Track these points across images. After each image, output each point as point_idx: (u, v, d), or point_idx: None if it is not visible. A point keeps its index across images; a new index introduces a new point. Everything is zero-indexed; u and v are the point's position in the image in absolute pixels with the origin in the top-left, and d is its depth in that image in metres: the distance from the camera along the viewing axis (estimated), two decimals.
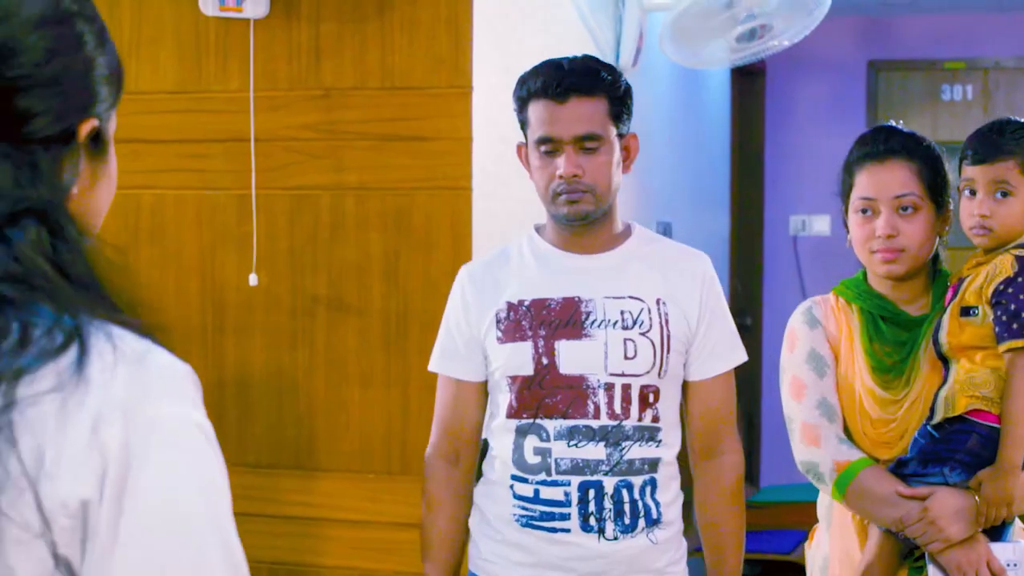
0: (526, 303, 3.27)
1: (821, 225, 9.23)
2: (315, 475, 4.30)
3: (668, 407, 3.29)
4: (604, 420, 3.21)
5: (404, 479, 4.21)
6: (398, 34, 4.19)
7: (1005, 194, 3.19)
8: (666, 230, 6.65)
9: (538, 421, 3.24)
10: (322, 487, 4.30)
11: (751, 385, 8.67)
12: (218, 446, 1.45)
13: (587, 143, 3.20)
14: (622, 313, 3.24)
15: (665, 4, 5.65)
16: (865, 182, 3.31)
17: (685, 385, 3.35)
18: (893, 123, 3.42)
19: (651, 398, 3.24)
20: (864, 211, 3.31)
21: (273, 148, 4.30)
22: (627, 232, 3.37)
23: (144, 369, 1.39)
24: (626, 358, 3.22)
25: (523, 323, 3.26)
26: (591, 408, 3.21)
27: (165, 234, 4.41)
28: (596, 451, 3.21)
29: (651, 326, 3.24)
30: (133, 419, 1.34)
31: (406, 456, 4.22)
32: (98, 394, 1.34)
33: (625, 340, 3.22)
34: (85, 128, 1.48)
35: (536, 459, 3.24)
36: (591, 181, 3.21)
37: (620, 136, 3.27)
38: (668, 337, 3.24)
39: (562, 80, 3.21)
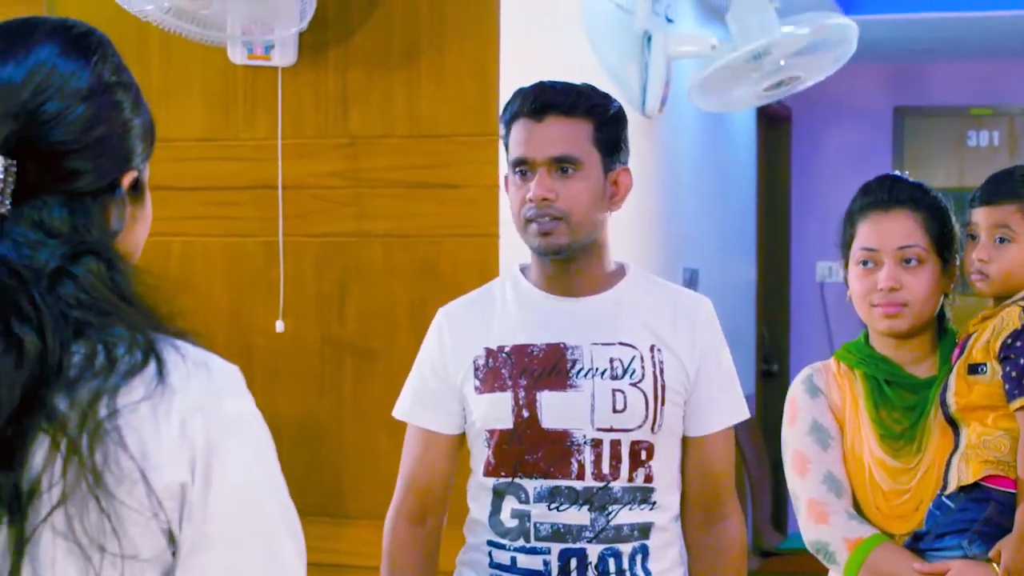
0: (506, 349, 2.98)
1: None
2: (343, 522, 4.30)
3: (665, 466, 2.99)
4: (589, 481, 2.91)
5: None
6: (425, 82, 4.21)
7: (1004, 240, 3.06)
8: (693, 276, 6.65)
9: (516, 480, 2.95)
10: (350, 534, 4.29)
11: (776, 431, 8.64)
12: (267, 427, 1.76)
13: (563, 164, 2.91)
14: (611, 361, 2.94)
15: (691, 52, 5.67)
16: (867, 232, 3.15)
17: (683, 442, 3.05)
18: (899, 173, 3.31)
19: (643, 455, 2.94)
20: (865, 263, 3.13)
21: (300, 195, 4.31)
22: (620, 273, 3.07)
23: (209, 373, 1.69)
24: (615, 411, 2.91)
25: (503, 371, 2.96)
26: (574, 467, 2.91)
27: (193, 281, 4.42)
28: (579, 516, 2.91)
29: (643, 376, 2.94)
30: (209, 416, 1.65)
31: None
32: (180, 398, 1.64)
33: (614, 391, 2.92)
34: (126, 180, 1.76)
35: (514, 523, 2.96)
36: (564, 207, 2.89)
37: (609, 169, 2.98)
38: (663, 388, 2.95)
39: (540, 97, 2.95)
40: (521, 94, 2.99)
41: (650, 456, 2.95)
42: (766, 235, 9.00)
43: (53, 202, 1.68)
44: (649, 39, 5.53)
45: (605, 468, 2.91)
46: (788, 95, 5.79)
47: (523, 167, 2.94)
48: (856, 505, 3.13)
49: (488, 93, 4.15)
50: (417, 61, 4.22)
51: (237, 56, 4.20)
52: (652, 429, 2.94)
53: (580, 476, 2.91)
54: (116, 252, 1.71)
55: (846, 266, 3.23)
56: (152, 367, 1.63)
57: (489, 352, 2.99)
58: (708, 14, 6.79)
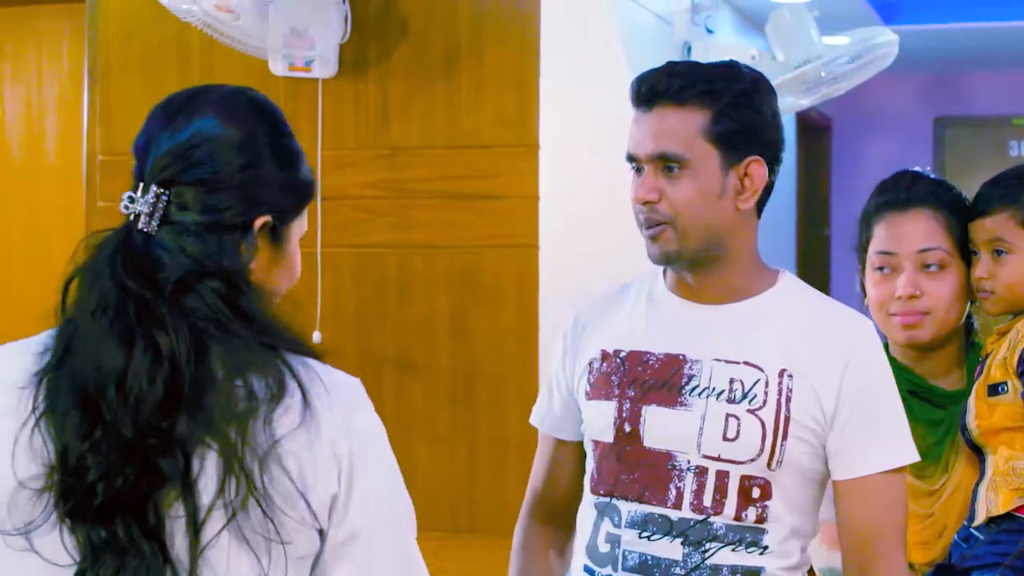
0: (622, 354, 2.64)
1: None
2: None
3: (787, 508, 2.56)
4: (686, 511, 2.54)
5: (471, 537, 4.20)
6: (465, 93, 4.21)
7: (1001, 252, 2.80)
8: None
9: (613, 501, 2.61)
10: None
11: None
12: (386, 432, 2.03)
13: (667, 163, 2.54)
14: (731, 382, 2.55)
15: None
16: (884, 234, 2.88)
17: (833, 487, 2.61)
18: (919, 169, 3.02)
19: (756, 493, 2.54)
20: (882, 268, 2.88)
21: (340, 206, 4.32)
22: (769, 282, 2.66)
23: (341, 391, 1.97)
24: (725, 438, 2.53)
25: (613, 378, 2.63)
26: (672, 494, 2.55)
27: None
28: (671, 548, 2.55)
29: (765, 403, 2.53)
30: (349, 433, 1.94)
31: (473, 514, 4.21)
32: (327, 423, 1.91)
33: (728, 416, 2.54)
34: (259, 222, 1.99)
35: (606, 548, 2.62)
36: (669, 210, 2.53)
37: (732, 163, 2.56)
38: (786, 420, 2.52)
39: (647, 82, 2.58)
40: (637, 78, 2.63)
41: (765, 495, 2.54)
42: (805, 246, 8.98)
43: (192, 230, 1.94)
44: (689, 49, 5.53)
45: (706, 500, 2.54)
46: (826, 100, 5.78)
47: (634, 163, 2.60)
48: None
49: (528, 104, 4.15)
50: (457, 72, 4.22)
51: (278, 68, 4.21)
52: (769, 464, 2.53)
53: (677, 505, 2.55)
54: (245, 279, 1.96)
55: (862, 271, 3.01)
56: (297, 394, 1.90)
57: (604, 355, 2.68)
58: (747, 24, 6.78)
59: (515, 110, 4.17)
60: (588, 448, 2.69)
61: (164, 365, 1.85)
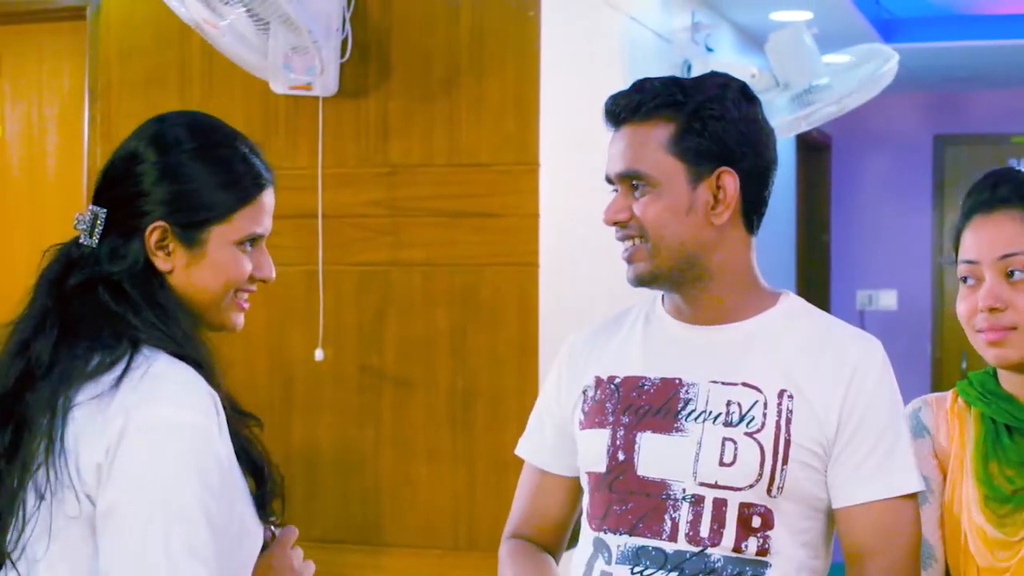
0: (617, 380, 2.51)
1: (888, 300, 9.19)
2: (382, 550, 4.30)
3: (792, 540, 2.39)
4: (682, 544, 2.37)
5: (470, 555, 4.20)
6: (465, 112, 4.22)
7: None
8: None
9: (603, 536, 2.45)
10: (389, 562, 4.30)
11: None
12: (215, 438, 2.12)
13: (631, 180, 2.45)
14: (728, 404, 2.40)
15: None
16: (968, 241, 2.50)
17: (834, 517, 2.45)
18: (1015, 163, 2.54)
19: (756, 522, 2.36)
20: (966, 279, 2.49)
21: (341, 224, 4.33)
22: (770, 303, 2.51)
23: (157, 382, 2.11)
24: (722, 464, 2.37)
25: (607, 405, 2.49)
26: (667, 526, 2.38)
27: None
28: None
29: (763, 425, 2.37)
30: (131, 415, 2.07)
31: (472, 532, 4.21)
32: (119, 400, 2.09)
33: (724, 440, 2.38)
34: (152, 228, 2.21)
35: None
36: (638, 228, 2.44)
37: (701, 177, 2.42)
38: (786, 443, 2.36)
39: (613, 102, 2.50)
40: (608, 97, 2.54)
41: (766, 524, 2.37)
42: (805, 263, 8.98)
43: (101, 242, 2.25)
44: (689, 68, 5.54)
45: (703, 531, 2.37)
46: (825, 122, 5.79)
47: (611, 184, 2.51)
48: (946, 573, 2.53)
49: (528, 122, 4.16)
50: (457, 91, 4.23)
51: (278, 86, 4.21)
52: (769, 490, 2.36)
53: (672, 537, 2.38)
54: (137, 282, 2.21)
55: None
56: (117, 373, 2.10)
57: (599, 382, 2.53)
58: (748, 43, 6.79)
59: (515, 129, 4.17)
60: (583, 481, 2.55)
61: (18, 358, 2.18)
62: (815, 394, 2.39)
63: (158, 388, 2.11)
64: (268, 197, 2.34)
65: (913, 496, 2.42)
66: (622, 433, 2.45)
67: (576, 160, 4.43)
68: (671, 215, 2.42)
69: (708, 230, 2.44)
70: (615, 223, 2.47)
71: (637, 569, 2.40)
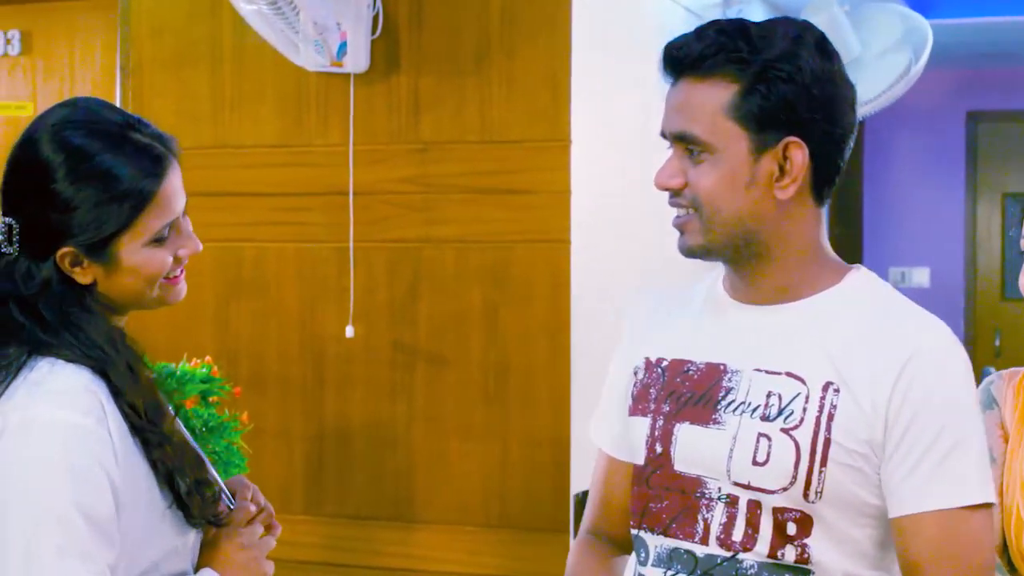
0: (664, 363, 2.28)
1: (921, 277, 9.15)
2: (413, 527, 4.30)
3: (837, 551, 2.13)
4: (712, 547, 2.16)
5: (502, 531, 4.20)
6: (496, 88, 4.21)
7: None
8: None
9: (641, 534, 2.26)
10: (420, 539, 4.30)
11: None
12: (96, 436, 2.09)
13: (689, 145, 2.16)
14: (768, 396, 2.15)
15: None
16: None
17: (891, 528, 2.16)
18: None
19: (792, 529, 2.12)
20: None
21: (372, 201, 4.33)
22: (833, 279, 2.24)
23: (41, 386, 2.12)
24: (755, 463, 2.13)
25: (651, 391, 2.28)
26: (700, 527, 2.18)
27: (265, 286, 4.45)
28: None
29: (801, 421, 2.11)
30: (10, 417, 2.09)
31: (504, 508, 4.21)
32: (1, 405, 2.11)
33: (759, 436, 2.13)
34: (61, 254, 2.20)
35: None
36: (691, 197, 2.16)
37: (765, 145, 2.13)
38: (825, 442, 2.09)
39: (671, 50, 2.18)
40: (665, 44, 2.22)
41: (804, 531, 2.12)
42: (838, 241, 8.93)
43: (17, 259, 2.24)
44: None
45: (736, 535, 2.15)
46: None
47: (665, 141, 2.22)
48: (1005, 549, 2.43)
49: (559, 98, 4.15)
50: (488, 67, 4.22)
51: (310, 63, 4.21)
52: (805, 495, 2.11)
53: (704, 540, 2.17)
54: (50, 301, 2.21)
55: None
56: (6, 379, 2.14)
57: (648, 364, 2.31)
58: None
59: (546, 105, 4.16)
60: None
61: None
62: (862, 387, 2.10)
63: (37, 390, 2.13)
64: (170, 182, 2.26)
65: (980, 508, 2.08)
66: (661, 423, 2.23)
67: (607, 136, 4.42)
68: (729, 187, 2.14)
69: (770, 204, 2.17)
70: (666, 189, 2.19)
71: (669, 573, 2.21)
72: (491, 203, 4.22)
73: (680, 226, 2.19)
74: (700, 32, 2.15)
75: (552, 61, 4.16)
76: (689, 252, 2.20)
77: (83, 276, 2.23)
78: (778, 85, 2.10)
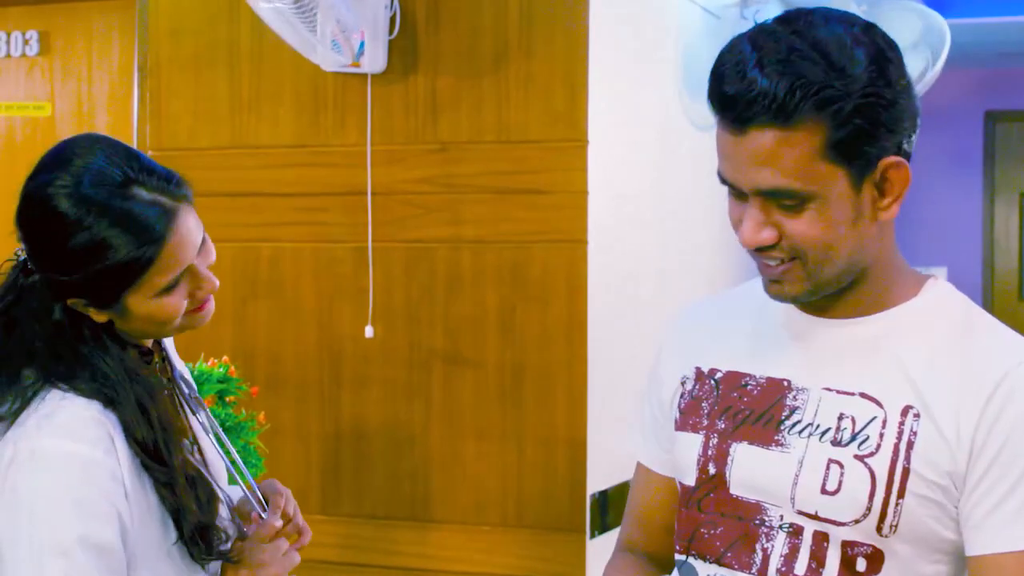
0: (718, 375, 2.15)
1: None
2: (430, 527, 4.31)
3: None
4: None
5: (519, 532, 4.20)
6: (514, 88, 4.21)
7: None
8: None
9: (690, 560, 2.12)
10: (437, 539, 4.30)
11: None
12: (105, 467, 2.12)
13: (783, 200, 1.95)
14: (840, 419, 2.00)
15: None
16: None
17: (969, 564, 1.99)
18: None
19: (862, 565, 1.97)
20: None
21: (390, 201, 4.33)
22: (912, 291, 2.09)
23: (50, 419, 2.13)
24: (824, 491, 1.98)
25: (703, 405, 2.14)
26: (758, 557, 2.03)
27: (283, 286, 4.45)
28: None
29: (878, 448, 1.96)
30: (19, 446, 2.11)
31: (521, 509, 4.21)
32: (12, 432, 2.13)
33: (830, 462, 1.98)
34: (71, 302, 2.21)
35: None
36: (795, 246, 1.97)
37: (864, 174, 1.95)
38: (904, 472, 1.94)
39: (738, 95, 1.91)
40: (715, 77, 1.96)
41: (875, 567, 1.97)
42: None
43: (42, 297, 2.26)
44: None
45: (799, 568, 2.00)
46: None
47: (726, 185, 2.03)
48: None
49: (577, 99, 4.15)
50: (506, 67, 4.22)
51: (327, 64, 4.22)
52: (879, 529, 1.96)
53: (763, 572, 2.03)
54: (65, 335, 2.23)
55: None
56: (16, 407, 2.16)
57: (699, 374, 2.18)
58: None
59: (564, 105, 4.16)
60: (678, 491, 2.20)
61: None
62: (945, 413, 1.95)
63: (47, 422, 2.13)
64: (176, 235, 2.20)
65: None
66: (715, 441, 2.09)
67: (625, 136, 4.42)
68: (836, 229, 1.96)
69: (874, 229, 2.01)
70: (759, 247, 1.99)
71: None
72: (509, 203, 4.22)
73: (780, 277, 2.02)
74: (778, 71, 1.89)
75: (570, 61, 4.16)
76: (792, 300, 2.05)
77: (98, 316, 2.25)
78: (876, 112, 1.92)
